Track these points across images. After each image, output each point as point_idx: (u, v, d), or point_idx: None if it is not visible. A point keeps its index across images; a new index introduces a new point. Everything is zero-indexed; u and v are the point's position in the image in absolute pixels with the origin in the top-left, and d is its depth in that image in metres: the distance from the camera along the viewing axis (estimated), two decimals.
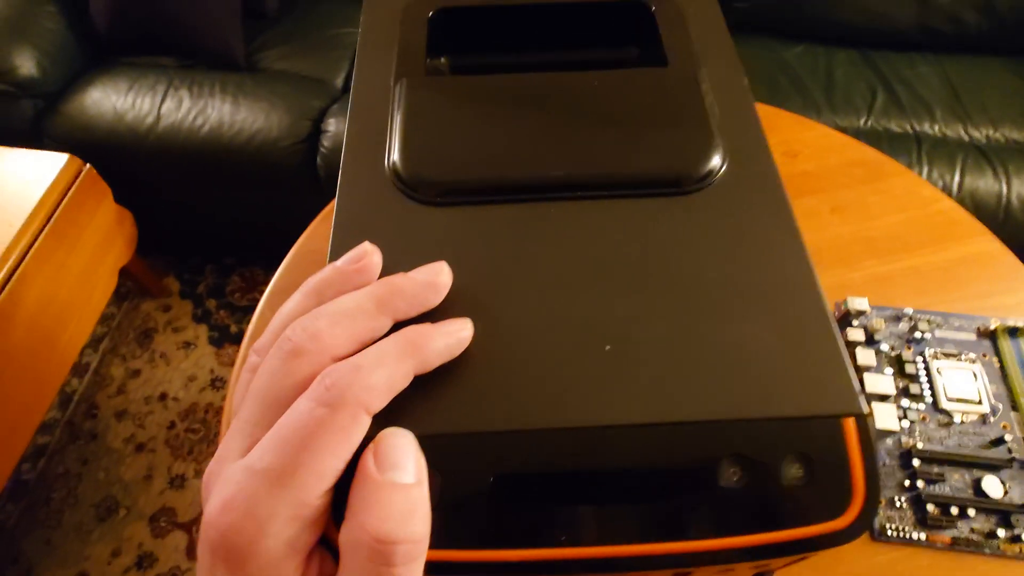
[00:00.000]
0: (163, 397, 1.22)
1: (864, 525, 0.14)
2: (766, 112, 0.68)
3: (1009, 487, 0.40)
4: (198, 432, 1.18)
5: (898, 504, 0.40)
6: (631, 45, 0.24)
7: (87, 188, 1.03)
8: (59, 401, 1.22)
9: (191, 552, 1.05)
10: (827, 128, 0.65)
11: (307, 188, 1.08)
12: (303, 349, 0.15)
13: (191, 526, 1.08)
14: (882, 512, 0.40)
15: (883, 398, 0.42)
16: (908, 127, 0.97)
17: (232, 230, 1.30)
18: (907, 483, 0.41)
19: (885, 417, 0.42)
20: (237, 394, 0.17)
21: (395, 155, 0.19)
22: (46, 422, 1.19)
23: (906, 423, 0.43)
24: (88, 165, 1.03)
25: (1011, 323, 0.46)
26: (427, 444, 0.14)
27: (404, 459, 0.14)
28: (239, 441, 0.15)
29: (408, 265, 0.17)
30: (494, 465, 0.14)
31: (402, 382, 0.15)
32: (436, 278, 0.17)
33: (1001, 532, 0.39)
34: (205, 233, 1.34)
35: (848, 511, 0.14)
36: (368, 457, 0.14)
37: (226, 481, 0.14)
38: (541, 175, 0.18)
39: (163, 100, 1.10)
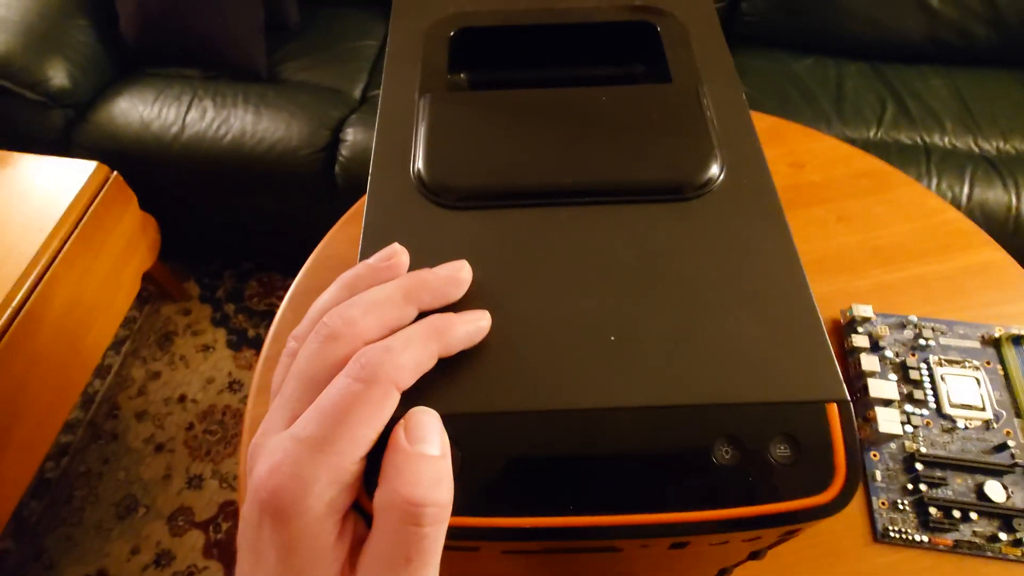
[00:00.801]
0: (182, 399, 1.25)
1: (845, 500, 0.15)
2: (774, 123, 0.69)
3: (1011, 492, 0.41)
4: (216, 434, 1.20)
5: (901, 507, 0.41)
6: (637, 62, 0.26)
7: (114, 195, 1.06)
8: (82, 401, 1.25)
9: (207, 551, 1.08)
10: (834, 139, 0.66)
11: (325, 195, 1.11)
12: (339, 334, 0.17)
13: (208, 525, 1.10)
14: (885, 514, 0.41)
15: (887, 403, 0.43)
16: (918, 139, 0.97)
17: (251, 236, 1.33)
18: (910, 486, 0.42)
19: (889, 421, 0.43)
20: (277, 376, 0.19)
21: (420, 163, 0.21)
22: (69, 422, 1.22)
23: (910, 428, 0.44)
24: (115, 173, 1.06)
25: (1015, 331, 0.47)
26: (449, 422, 0.16)
27: (431, 434, 0.16)
28: (281, 415, 0.17)
29: (432, 263, 0.19)
30: (508, 442, 0.16)
31: (428, 363, 0.17)
32: (458, 274, 0.19)
33: (1003, 535, 0.40)
34: (225, 239, 1.37)
35: (831, 487, 0.15)
36: (400, 431, 0.16)
37: (273, 449, 0.16)
38: (553, 182, 0.20)
39: (188, 110, 1.13)
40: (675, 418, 0.15)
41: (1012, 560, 0.39)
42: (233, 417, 1.22)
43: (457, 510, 0.15)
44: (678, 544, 0.16)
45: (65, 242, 0.98)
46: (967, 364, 0.46)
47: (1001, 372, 0.46)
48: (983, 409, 0.44)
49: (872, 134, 1.00)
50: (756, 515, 0.15)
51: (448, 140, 0.22)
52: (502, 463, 0.16)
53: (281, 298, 0.56)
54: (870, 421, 0.43)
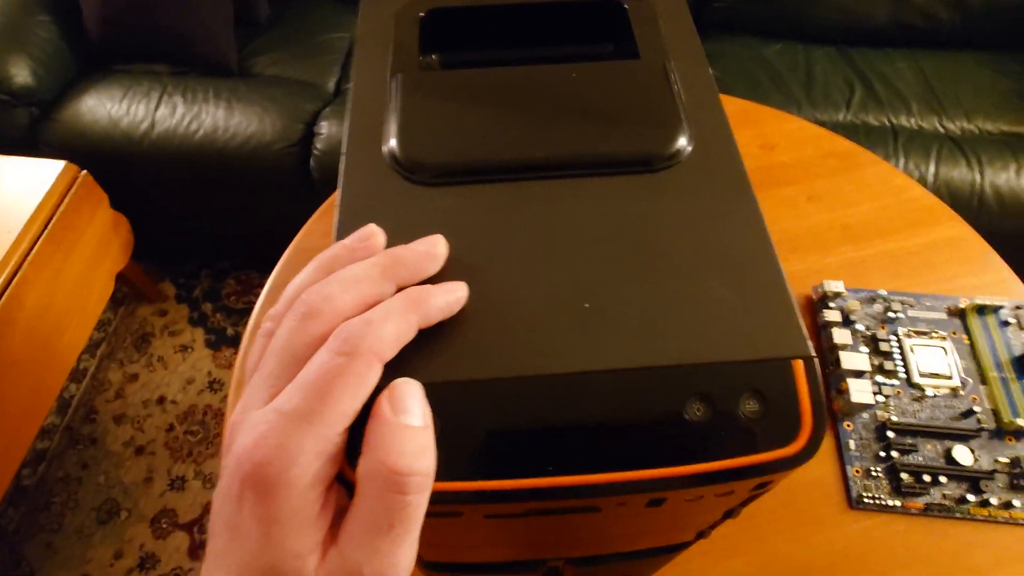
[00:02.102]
0: (161, 400, 1.23)
1: (811, 451, 0.16)
2: (745, 107, 0.70)
3: (978, 455, 0.42)
4: (197, 434, 1.19)
5: (874, 474, 0.43)
6: (607, 41, 0.26)
7: (83, 194, 1.04)
8: (57, 407, 1.23)
9: (193, 552, 1.07)
10: (804, 121, 0.68)
11: (301, 190, 1.10)
12: (318, 310, 0.17)
13: (192, 527, 1.09)
14: (859, 481, 0.42)
15: (859, 374, 0.45)
16: (885, 120, 0.99)
17: (227, 234, 1.31)
18: (882, 454, 0.43)
19: (861, 392, 0.44)
20: (253, 356, 0.19)
21: (393, 142, 0.21)
22: (45, 427, 1.20)
23: (881, 398, 0.45)
24: (84, 172, 1.04)
25: (979, 302, 0.49)
26: (431, 391, 0.16)
27: (414, 404, 0.16)
28: (261, 392, 0.17)
29: (408, 240, 0.19)
30: (489, 408, 0.16)
31: (409, 334, 0.17)
32: (434, 248, 0.19)
33: (971, 497, 0.41)
34: (200, 237, 1.35)
35: (798, 439, 0.16)
36: (383, 402, 0.16)
37: (256, 423, 0.16)
38: (525, 156, 0.20)
39: (157, 106, 1.11)
40: (648, 379, 0.16)
41: (980, 520, 0.41)
42: (214, 417, 1.21)
43: (440, 476, 0.16)
44: (655, 501, 0.17)
45: (34, 244, 0.95)
46: (934, 335, 0.48)
47: (967, 341, 0.48)
48: (950, 377, 0.46)
49: (841, 116, 1.02)
50: (727, 468, 0.15)
51: (421, 118, 0.22)
52: (483, 429, 0.16)
53: (260, 296, 0.56)
54: (843, 392, 0.44)
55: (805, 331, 0.17)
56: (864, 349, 0.47)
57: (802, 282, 0.52)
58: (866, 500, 0.42)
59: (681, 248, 0.18)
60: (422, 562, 0.25)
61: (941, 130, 0.98)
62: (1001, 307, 0.48)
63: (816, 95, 1.03)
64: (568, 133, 0.21)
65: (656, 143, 0.20)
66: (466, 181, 0.20)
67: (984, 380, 0.46)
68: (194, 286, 1.39)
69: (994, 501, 0.41)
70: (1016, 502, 0.41)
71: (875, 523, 0.41)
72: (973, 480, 0.42)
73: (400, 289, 0.18)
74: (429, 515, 0.16)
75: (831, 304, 0.49)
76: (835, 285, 0.50)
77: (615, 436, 0.16)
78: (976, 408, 0.44)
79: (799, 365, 0.16)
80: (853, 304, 0.49)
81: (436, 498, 0.16)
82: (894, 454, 0.43)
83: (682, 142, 0.21)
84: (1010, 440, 0.43)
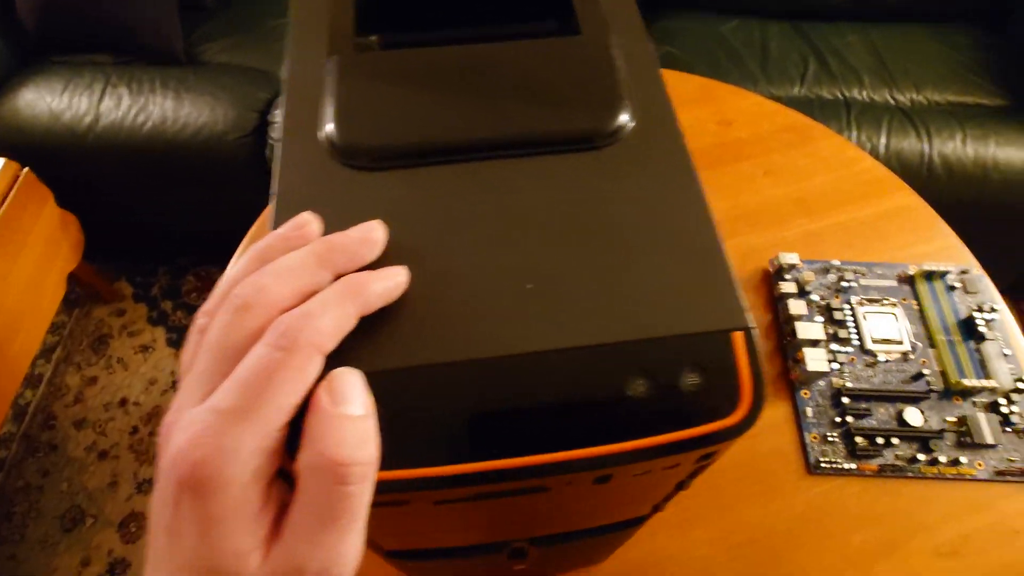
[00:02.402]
0: (123, 403, 1.20)
1: (751, 421, 0.16)
2: (703, 84, 0.71)
3: (927, 416, 0.44)
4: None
5: (831, 439, 0.44)
6: (548, 17, 0.26)
7: (27, 192, 0.99)
8: (13, 414, 1.18)
9: None
10: (759, 97, 0.68)
11: (257, 181, 1.07)
12: (252, 303, 0.17)
13: None
14: (816, 447, 0.44)
15: (814, 343, 0.46)
16: (838, 93, 1.01)
17: (183, 230, 1.27)
18: (838, 419, 0.44)
19: (816, 360, 0.45)
20: (186, 354, 0.18)
21: (329, 127, 0.21)
22: (2, 436, 1.16)
23: (836, 365, 0.47)
24: (26, 169, 1.00)
25: (927, 268, 0.50)
26: (373, 379, 0.16)
27: (354, 394, 0.16)
28: (195, 391, 0.16)
29: (346, 227, 0.19)
30: (430, 393, 0.16)
31: (348, 323, 0.17)
32: (370, 234, 0.18)
33: (921, 456, 0.43)
34: (155, 234, 1.31)
35: (737, 410, 0.16)
36: (322, 393, 0.16)
37: (190, 422, 0.15)
38: (465, 137, 0.20)
39: (101, 98, 1.07)
40: (589, 357, 0.16)
41: (930, 478, 0.42)
42: None
43: (384, 464, 0.15)
44: (602, 478, 0.17)
45: None
46: (885, 302, 0.49)
47: (916, 307, 0.49)
48: (901, 343, 0.47)
49: (796, 91, 1.03)
50: (669, 442, 0.16)
51: (358, 101, 0.21)
52: (426, 415, 0.16)
53: None
54: (799, 362, 0.45)
55: (744, 303, 0.17)
56: (819, 319, 0.48)
57: (760, 255, 0.53)
58: (823, 465, 0.43)
59: (623, 225, 0.18)
60: (384, 552, 0.24)
61: (892, 102, 1.00)
62: (947, 272, 0.50)
63: (772, 70, 1.04)
64: (509, 112, 0.21)
65: (597, 120, 0.20)
66: (406, 165, 0.20)
67: (932, 344, 0.47)
68: (152, 284, 1.35)
69: (943, 459, 0.42)
70: (963, 459, 0.42)
71: (832, 486, 0.43)
72: (923, 440, 0.43)
73: (338, 277, 0.18)
74: (376, 504, 0.16)
75: (787, 276, 0.50)
76: (790, 257, 0.50)
77: (558, 416, 0.16)
78: (925, 371, 0.46)
79: (738, 337, 0.16)
80: (808, 275, 0.50)
81: (381, 487, 0.15)
82: (849, 419, 0.44)
83: (624, 119, 0.20)
84: (957, 400, 0.45)
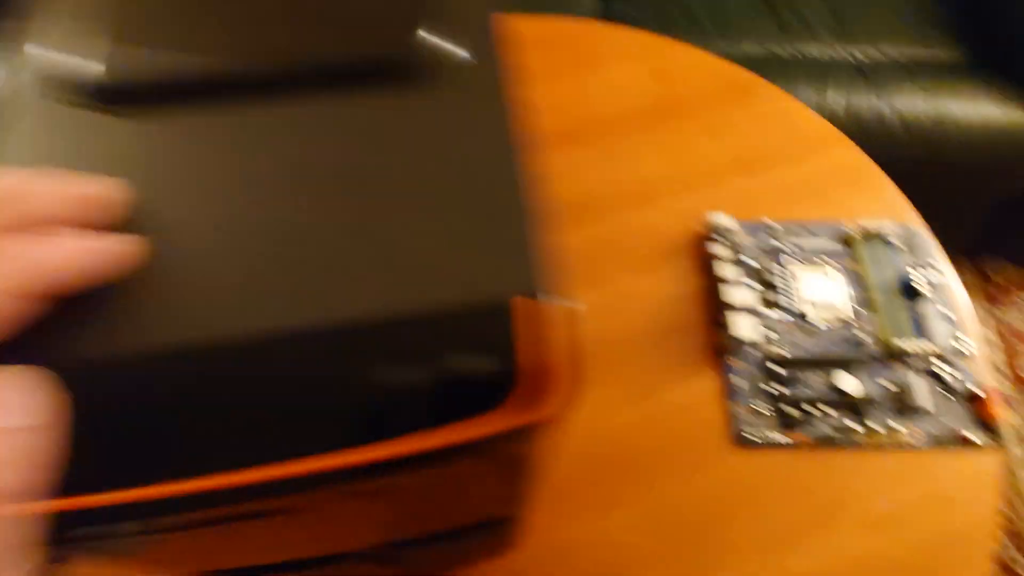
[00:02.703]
0: None
1: (555, 411, 0.12)
2: (642, 38, 0.67)
3: (864, 382, 0.42)
4: None
5: (760, 410, 0.41)
6: None
7: None
8: None
9: None
10: (705, 53, 0.65)
11: None
12: None
13: None
14: (745, 419, 0.41)
15: (742, 308, 0.43)
16: (794, 51, 0.98)
17: None
18: (770, 389, 0.42)
19: (745, 327, 0.42)
20: None
21: (43, 48, 0.16)
22: None
23: (772, 333, 0.44)
24: None
25: (865, 226, 0.47)
26: (50, 378, 0.12)
27: (9, 401, 0.12)
28: None
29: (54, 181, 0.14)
30: (127, 392, 0.12)
31: (13, 309, 0.13)
32: (67, 189, 0.14)
33: (856, 425, 0.40)
34: None
35: (527, 399, 0.12)
36: None
37: None
38: (227, 69, 0.16)
39: None
40: (333, 342, 0.12)
41: (864, 447, 0.40)
42: None
43: (54, 490, 0.12)
44: (365, 493, 0.13)
45: None
46: (823, 263, 0.46)
47: (854, 268, 0.46)
48: (838, 306, 0.45)
49: (750, 49, 0.99)
50: (438, 446, 0.12)
51: (81, 18, 0.17)
52: (105, 424, 0.12)
53: None
54: (724, 328, 0.42)
55: (539, 266, 0.13)
56: (751, 282, 0.45)
57: (695, 217, 0.50)
58: (752, 437, 0.40)
59: (412, 180, 0.15)
60: None
61: (849, 58, 0.97)
62: (887, 232, 0.47)
63: (727, 27, 1.00)
64: (283, 40, 0.17)
65: (396, 50, 0.16)
66: (149, 104, 0.16)
67: (872, 307, 0.45)
68: None
69: (878, 427, 0.40)
70: (899, 426, 0.40)
71: (763, 460, 0.40)
72: (858, 408, 0.41)
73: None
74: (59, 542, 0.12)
75: (719, 238, 0.47)
76: (723, 218, 0.47)
77: (292, 417, 0.12)
78: (863, 335, 0.43)
79: (526, 306, 0.13)
80: (742, 237, 0.47)
81: (50, 518, 0.12)
82: (781, 389, 0.42)
83: (430, 51, 0.17)
84: (894, 364, 0.42)
